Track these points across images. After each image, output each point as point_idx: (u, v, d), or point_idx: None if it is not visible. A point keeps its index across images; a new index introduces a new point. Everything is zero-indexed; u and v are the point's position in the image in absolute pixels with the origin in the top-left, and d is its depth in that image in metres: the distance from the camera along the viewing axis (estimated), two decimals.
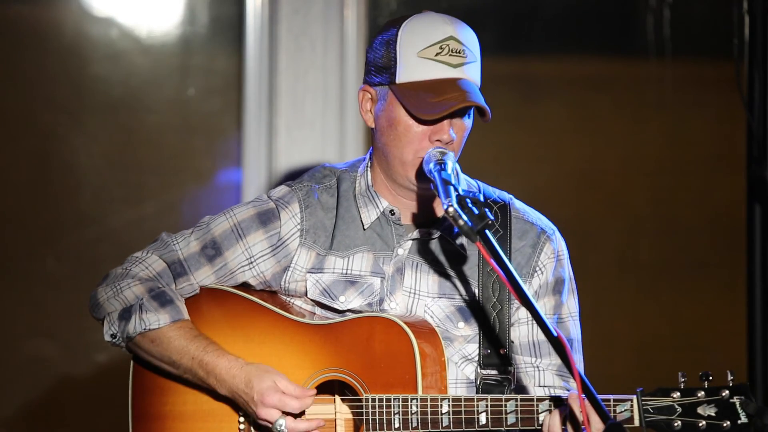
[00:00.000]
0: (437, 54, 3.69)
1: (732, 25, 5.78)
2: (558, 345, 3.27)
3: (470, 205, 3.38)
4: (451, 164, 3.61)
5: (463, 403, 3.58)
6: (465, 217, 3.35)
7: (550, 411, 3.53)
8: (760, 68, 5.73)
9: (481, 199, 3.57)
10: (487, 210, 3.37)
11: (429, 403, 3.59)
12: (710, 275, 6.20)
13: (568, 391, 3.70)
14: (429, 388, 3.62)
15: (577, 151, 6.16)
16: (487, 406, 3.56)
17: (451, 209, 3.37)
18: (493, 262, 3.33)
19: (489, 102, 3.78)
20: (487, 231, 3.34)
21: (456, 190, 3.44)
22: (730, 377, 3.38)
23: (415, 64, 3.69)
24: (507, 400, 3.56)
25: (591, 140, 6.17)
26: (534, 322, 3.80)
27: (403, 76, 3.71)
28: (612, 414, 3.44)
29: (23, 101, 5.81)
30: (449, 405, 3.58)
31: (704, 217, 6.17)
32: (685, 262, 6.18)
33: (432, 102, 3.66)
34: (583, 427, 3.40)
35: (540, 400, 3.54)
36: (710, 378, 3.40)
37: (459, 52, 3.70)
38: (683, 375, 3.42)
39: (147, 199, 5.82)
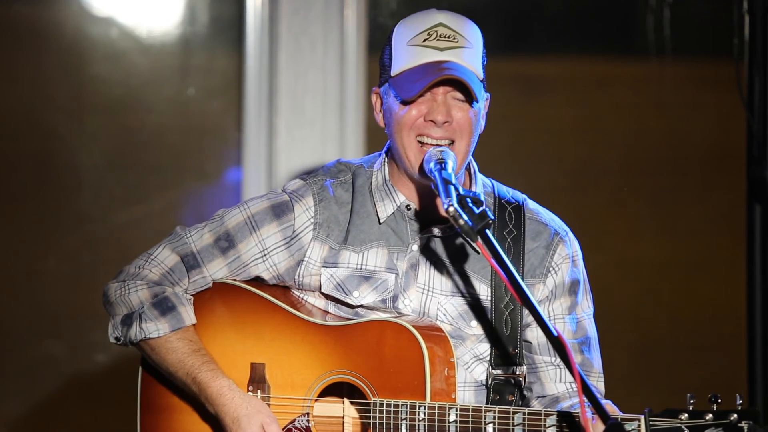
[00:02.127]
0: (425, 40, 3.70)
1: (732, 25, 5.78)
2: (558, 345, 3.26)
3: (470, 204, 3.38)
4: (451, 164, 3.60)
5: (470, 413, 3.56)
6: (465, 217, 3.35)
7: (557, 426, 3.51)
8: (760, 68, 5.73)
9: (483, 199, 3.56)
10: (487, 209, 3.37)
11: (436, 410, 3.58)
12: (710, 275, 6.19)
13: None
14: (437, 394, 3.61)
15: (577, 151, 6.15)
16: (494, 418, 3.55)
17: (451, 209, 3.37)
18: (493, 261, 3.32)
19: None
20: (487, 230, 3.34)
21: (456, 189, 3.43)
22: (738, 401, 3.36)
23: (405, 53, 3.71)
24: (514, 412, 3.54)
25: (591, 140, 6.17)
26: (553, 321, 3.81)
27: (395, 67, 3.73)
28: None
29: (23, 101, 5.81)
30: (456, 414, 3.57)
31: (704, 217, 6.17)
32: (685, 262, 6.17)
33: (413, 83, 3.68)
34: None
35: (547, 414, 3.53)
36: (719, 401, 3.37)
37: (448, 37, 3.70)
38: (692, 396, 3.39)
39: (147, 199, 5.82)
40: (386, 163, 3.85)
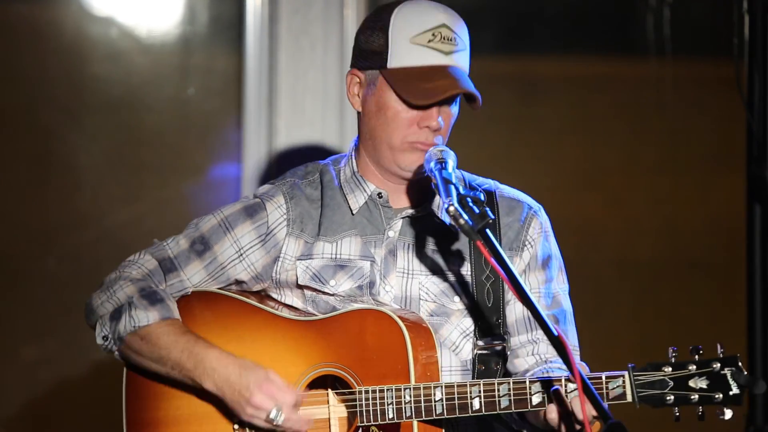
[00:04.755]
0: (429, 41, 3.74)
1: (732, 25, 5.78)
2: (558, 345, 3.27)
3: (471, 204, 3.40)
4: (452, 163, 3.64)
5: (456, 389, 3.59)
6: (466, 216, 3.38)
7: (544, 400, 3.53)
8: (760, 68, 5.73)
9: (483, 198, 3.59)
10: (487, 209, 3.40)
11: (422, 391, 3.61)
12: (710, 275, 6.20)
13: (560, 368, 3.72)
14: (422, 377, 3.63)
15: (577, 151, 6.16)
16: (480, 392, 3.58)
17: (451, 208, 3.39)
18: (493, 261, 3.34)
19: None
20: (487, 230, 3.37)
21: (457, 189, 3.47)
22: (720, 349, 3.43)
23: (407, 49, 3.74)
24: (500, 383, 3.57)
25: (591, 140, 6.17)
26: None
27: (394, 61, 3.75)
28: (605, 391, 3.46)
29: (23, 101, 5.81)
30: (442, 392, 3.59)
31: (704, 217, 6.18)
32: (685, 262, 6.18)
33: (424, 88, 3.71)
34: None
35: (532, 382, 3.55)
36: (701, 351, 3.45)
37: (450, 40, 3.75)
38: (674, 349, 3.46)
39: (147, 199, 5.83)
40: (353, 157, 3.90)
